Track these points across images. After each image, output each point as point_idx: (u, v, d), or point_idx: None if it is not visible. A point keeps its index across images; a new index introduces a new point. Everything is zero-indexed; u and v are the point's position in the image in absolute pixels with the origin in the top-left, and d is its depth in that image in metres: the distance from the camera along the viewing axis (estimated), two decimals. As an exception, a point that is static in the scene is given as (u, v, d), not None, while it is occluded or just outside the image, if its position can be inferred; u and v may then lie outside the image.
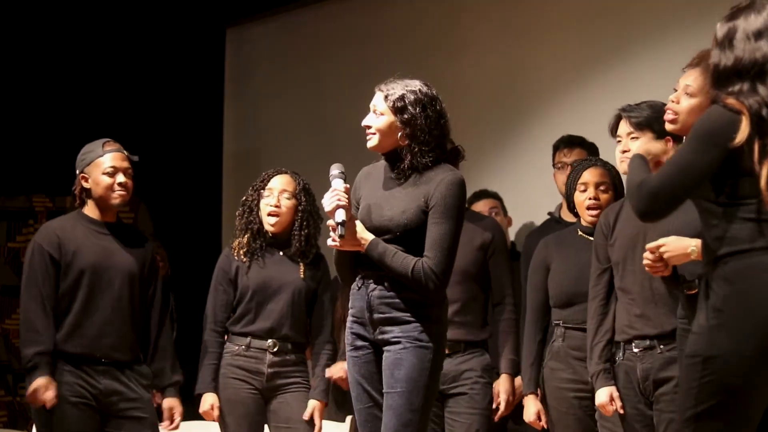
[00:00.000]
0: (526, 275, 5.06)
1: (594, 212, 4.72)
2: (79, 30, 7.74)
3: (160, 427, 4.84)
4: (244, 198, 5.09)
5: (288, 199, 4.99)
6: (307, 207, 5.00)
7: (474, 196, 5.87)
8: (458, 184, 4.00)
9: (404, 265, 3.95)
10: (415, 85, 4.06)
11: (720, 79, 3.23)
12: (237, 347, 4.98)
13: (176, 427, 4.87)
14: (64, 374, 4.65)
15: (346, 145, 6.99)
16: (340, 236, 3.95)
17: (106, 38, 7.81)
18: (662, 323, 4.21)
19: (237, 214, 5.11)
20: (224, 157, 8.23)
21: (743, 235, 3.14)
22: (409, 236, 3.99)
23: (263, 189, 5.03)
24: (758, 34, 3.19)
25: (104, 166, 4.72)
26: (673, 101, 3.95)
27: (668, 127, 3.96)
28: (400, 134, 4.03)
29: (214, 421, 5.03)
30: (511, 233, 6.16)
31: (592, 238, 4.63)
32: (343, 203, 3.95)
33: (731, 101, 3.16)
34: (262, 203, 5.01)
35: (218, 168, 8.21)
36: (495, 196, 5.96)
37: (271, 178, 5.04)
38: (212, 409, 4.95)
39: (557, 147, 5.62)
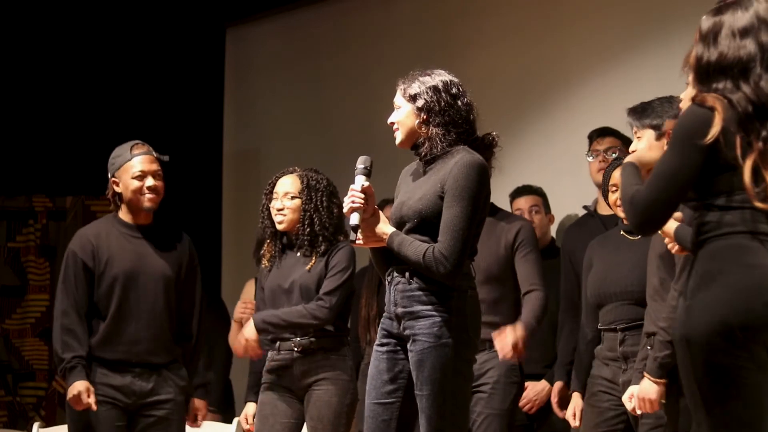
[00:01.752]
0: (565, 270, 5.10)
1: None
2: (79, 30, 7.74)
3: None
4: (261, 205, 5.13)
5: (291, 199, 4.99)
6: (311, 205, 4.98)
7: (516, 191, 5.81)
8: (472, 165, 3.93)
9: (417, 252, 3.90)
10: (431, 72, 4.07)
11: (703, 74, 3.22)
12: (271, 353, 4.99)
13: (198, 426, 4.91)
14: (99, 376, 4.67)
15: (347, 144, 6.99)
16: (351, 241, 3.98)
17: (106, 38, 7.80)
18: (655, 318, 4.25)
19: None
20: (224, 157, 8.23)
21: (721, 220, 3.13)
22: (428, 224, 3.95)
23: (271, 193, 5.06)
24: (744, 32, 3.18)
25: (133, 170, 4.75)
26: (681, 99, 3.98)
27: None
28: (417, 122, 4.02)
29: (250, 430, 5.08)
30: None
31: (631, 237, 4.72)
32: (357, 205, 3.94)
33: (705, 98, 3.15)
34: (271, 207, 5.04)
35: (218, 168, 8.21)
36: (538, 192, 5.84)
37: (277, 181, 5.06)
38: (246, 420, 5.08)
39: (591, 137, 5.66)
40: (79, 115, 7.72)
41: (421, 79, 4.04)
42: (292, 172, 5.07)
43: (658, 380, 4.09)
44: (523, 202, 5.74)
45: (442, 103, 3.99)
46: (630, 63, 6.11)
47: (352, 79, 7.34)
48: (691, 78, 3.87)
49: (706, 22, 3.24)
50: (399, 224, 4.01)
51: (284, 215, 4.99)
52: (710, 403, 3.07)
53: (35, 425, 5.62)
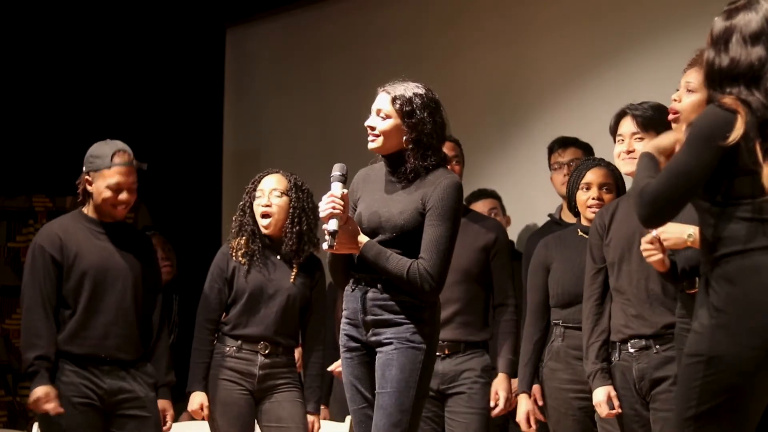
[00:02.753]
0: (527, 276, 5.05)
1: (595, 211, 4.70)
2: (79, 30, 7.74)
3: None
4: (241, 202, 5.08)
5: (279, 197, 4.97)
6: (300, 204, 4.98)
7: (472, 195, 5.88)
8: (455, 187, 4.01)
9: (400, 266, 3.95)
10: (421, 89, 4.06)
11: (714, 79, 3.22)
12: (228, 348, 4.95)
13: (168, 429, 4.87)
14: (69, 374, 4.64)
15: (347, 144, 6.99)
16: (329, 246, 3.96)
17: (107, 38, 7.81)
18: (657, 323, 4.22)
19: (233, 218, 5.09)
20: (224, 157, 8.23)
21: (741, 234, 3.13)
22: (405, 238, 4.00)
23: (255, 191, 5.03)
24: (755, 38, 3.18)
25: (109, 181, 4.70)
26: (675, 100, 3.94)
27: (673, 126, 3.94)
28: (405, 138, 4.04)
29: (202, 419, 5.02)
30: (511, 233, 6.15)
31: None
32: (337, 212, 3.94)
33: (727, 100, 3.14)
34: (255, 204, 5.01)
35: (218, 168, 8.21)
36: (494, 195, 5.96)
37: (262, 179, 5.04)
38: (201, 408, 4.94)
39: (552, 148, 5.65)
40: (79, 115, 7.72)
41: (413, 93, 4.04)
42: (275, 172, 5.06)
43: None
44: (481, 206, 5.78)
45: (435, 126, 4.04)
46: (623, 66, 6.11)
47: (352, 79, 7.34)
48: (683, 82, 3.88)
49: (717, 26, 3.23)
50: (371, 234, 4.04)
51: (272, 213, 4.96)
52: (705, 420, 3.10)
53: (35, 425, 5.61)
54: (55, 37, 7.73)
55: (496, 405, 4.94)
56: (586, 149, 5.55)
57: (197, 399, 4.95)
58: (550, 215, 5.63)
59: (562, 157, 5.52)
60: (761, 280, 3.10)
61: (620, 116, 4.36)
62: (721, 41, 3.21)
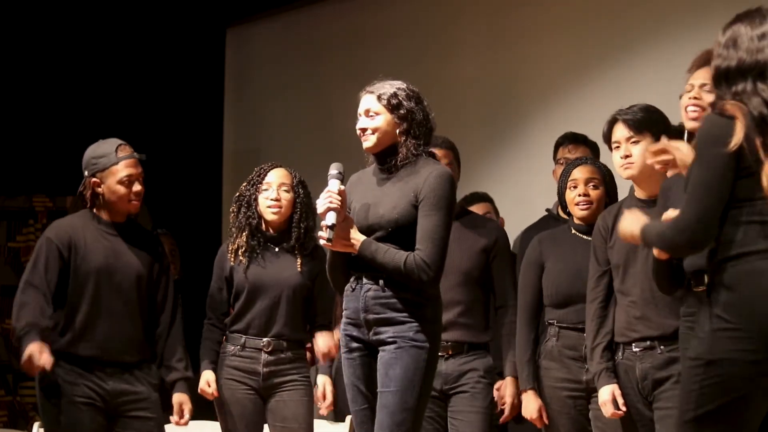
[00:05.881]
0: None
1: (583, 207, 4.70)
2: (79, 30, 7.75)
3: (170, 421, 4.82)
4: (239, 194, 5.07)
5: (287, 192, 4.98)
6: (305, 199, 4.99)
7: (465, 200, 5.79)
8: (447, 177, 4.04)
9: (396, 259, 3.96)
10: (401, 83, 4.14)
11: (721, 80, 3.25)
12: (233, 347, 4.96)
13: (186, 423, 4.83)
14: (71, 375, 4.63)
15: (346, 144, 6.97)
16: (328, 239, 3.98)
17: (107, 38, 7.81)
18: (663, 325, 4.21)
19: (231, 210, 5.07)
20: (224, 156, 8.24)
21: (738, 238, 3.16)
22: (401, 232, 4.01)
23: (260, 183, 5.02)
24: (762, 36, 3.22)
25: (120, 176, 4.69)
26: (696, 98, 3.90)
27: (691, 125, 3.88)
28: (398, 131, 4.07)
29: (211, 397, 4.98)
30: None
31: (585, 237, 4.66)
32: (335, 206, 3.98)
33: (725, 106, 3.18)
34: (261, 197, 4.99)
35: (218, 167, 8.22)
36: (486, 198, 5.92)
37: (267, 172, 5.03)
38: (208, 384, 4.92)
39: (560, 143, 5.62)
40: (79, 116, 7.72)
41: (395, 88, 4.11)
42: (279, 166, 5.06)
43: None
44: (475, 210, 5.68)
45: (421, 114, 4.09)
46: (621, 66, 6.12)
47: (352, 79, 7.30)
48: (696, 82, 3.89)
49: (724, 33, 3.29)
50: (367, 231, 4.05)
51: (280, 207, 4.97)
52: (704, 423, 3.15)
53: (35, 425, 5.62)
54: (55, 37, 7.74)
55: (502, 410, 4.92)
56: (594, 149, 5.53)
57: (205, 377, 4.95)
58: (547, 210, 5.62)
59: (572, 154, 5.49)
60: (759, 285, 3.12)
61: (612, 123, 4.37)
62: (730, 43, 3.25)
